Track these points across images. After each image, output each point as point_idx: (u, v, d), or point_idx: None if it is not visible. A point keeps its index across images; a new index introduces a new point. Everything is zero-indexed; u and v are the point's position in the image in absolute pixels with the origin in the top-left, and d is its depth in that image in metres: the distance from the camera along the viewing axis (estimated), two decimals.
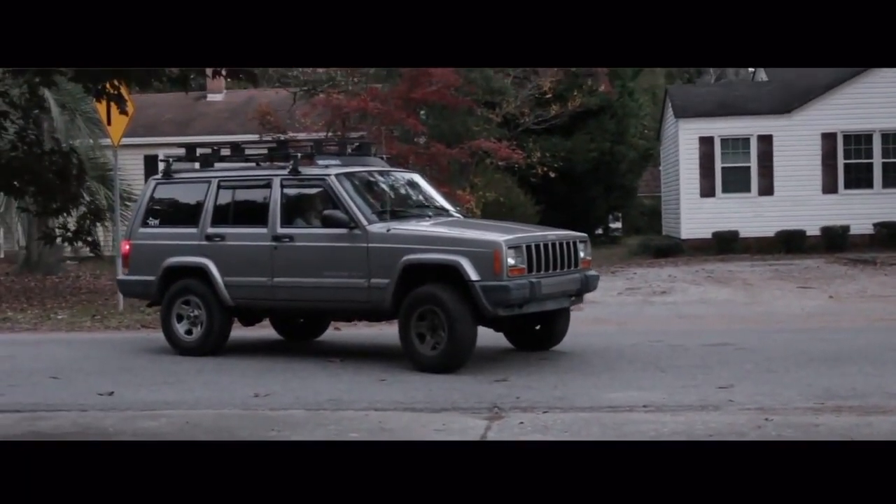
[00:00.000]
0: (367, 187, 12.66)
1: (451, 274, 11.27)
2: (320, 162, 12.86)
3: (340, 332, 14.97)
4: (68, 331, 16.59)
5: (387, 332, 13.82)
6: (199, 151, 13.94)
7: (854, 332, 13.67)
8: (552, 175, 29.59)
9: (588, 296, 12.81)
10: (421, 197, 13.43)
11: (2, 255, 33.10)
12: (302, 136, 24.51)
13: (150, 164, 31.87)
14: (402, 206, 12.84)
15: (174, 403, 10.04)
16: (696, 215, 31.04)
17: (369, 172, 13.07)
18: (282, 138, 19.97)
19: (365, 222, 11.88)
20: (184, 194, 13.59)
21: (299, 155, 12.91)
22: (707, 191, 31.02)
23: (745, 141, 30.81)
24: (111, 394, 10.59)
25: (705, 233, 30.60)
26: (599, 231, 43.37)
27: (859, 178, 30.33)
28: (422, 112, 27.12)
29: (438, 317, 11.25)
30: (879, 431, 8.02)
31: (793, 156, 30.32)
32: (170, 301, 13.14)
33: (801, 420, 8.47)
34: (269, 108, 27.59)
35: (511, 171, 30.19)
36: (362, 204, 12.12)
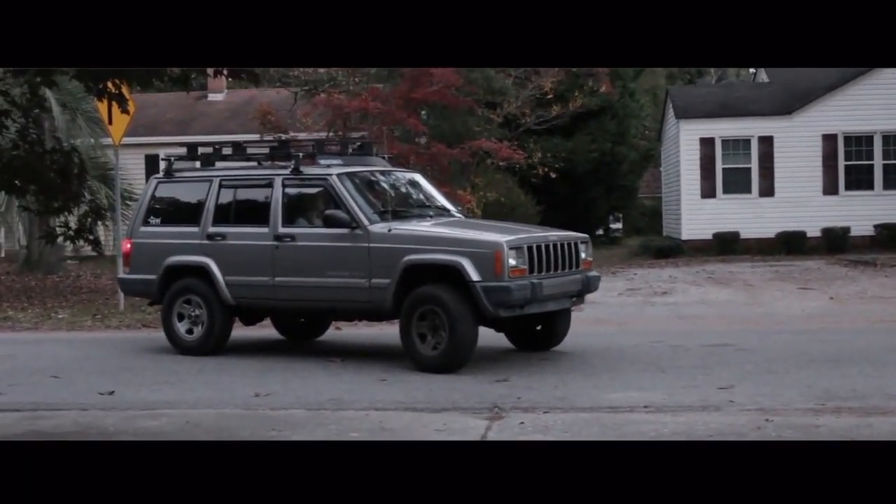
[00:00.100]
0: (368, 187, 12.67)
1: (452, 274, 11.27)
2: (322, 161, 12.87)
3: (341, 331, 14.98)
4: (69, 330, 16.59)
5: (387, 331, 13.82)
6: (200, 150, 13.93)
7: (854, 334, 13.67)
8: (553, 175, 29.59)
9: (589, 296, 12.82)
10: (422, 197, 13.43)
11: (2, 255, 33.11)
12: (303, 135, 24.52)
13: (151, 163, 31.88)
14: (404, 206, 12.84)
15: (175, 403, 10.04)
16: (696, 216, 31.04)
17: (371, 172, 13.08)
18: (283, 138, 20.00)
19: (366, 222, 11.88)
20: (185, 193, 13.59)
21: (301, 154, 12.91)
22: (708, 192, 31.02)
23: (746, 142, 30.81)
24: (112, 393, 10.59)
25: (706, 234, 30.61)
26: (600, 232, 43.36)
27: (860, 179, 30.34)
28: (423, 112, 27.14)
29: (439, 317, 11.26)
30: (880, 432, 8.02)
31: (793, 157, 30.32)
32: (171, 300, 13.14)
33: (801, 421, 8.47)
34: (270, 108, 27.59)
35: (512, 172, 30.19)
36: (364, 204, 12.12)
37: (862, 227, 29.57)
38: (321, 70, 26.68)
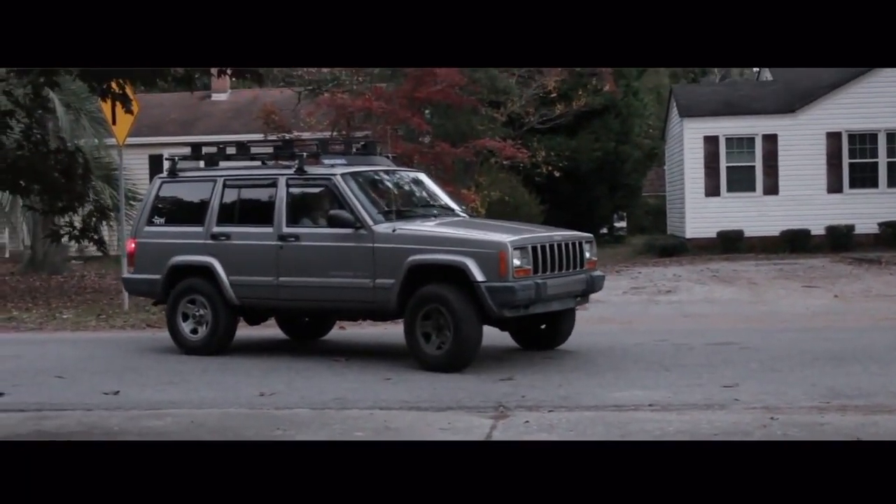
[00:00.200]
0: (372, 187, 12.66)
1: (456, 274, 11.27)
2: (326, 161, 12.86)
3: (345, 331, 14.97)
4: (73, 330, 16.61)
5: (392, 331, 13.82)
6: (204, 150, 13.93)
7: (859, 332, 13.66)
8: (557, 174, 29.60)
9: (593, 295, 12.80)
10: (426, 196, 13.43)
11: (7, 255, 33.13)
12: (307, 135, 24.52)
13: (155, 163, 31.91)
14: (408, 206, 12.84)
15: (179, 403, 10.05)
16: (700, 215, 31.03)
17: (375, 172, 13.08)
18: (287, 137, 20.00)
19: (370, 222, 11.88)
20: (189, 193, 13.60)
21: (305, 154, 12.91)
22: (712, 190, 31.01)
23: (750, 140, 30.79)
24: (116, 393, 10.60)
25: (710, 232, 30.59)
26: (604, 230, 43.32)
27: (864, 177, 30.32)
28: (426, 111, 27.14)
29: (444, 316, 11.26)
30: (885, 430, 8.02)
31: (797, 155, 30.30)
32: (175, 300, 13.14)
33: (806, 419, 8.47)
34: (274, 108, 27.60)
35: (516, 171, 30.18)
36: (368, 204, 12.12)
37: (866, 225, 29.55)
38: (325, 70, 26.69)
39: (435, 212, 12.95)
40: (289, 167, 12.82)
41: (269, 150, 13.82)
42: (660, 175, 47.62)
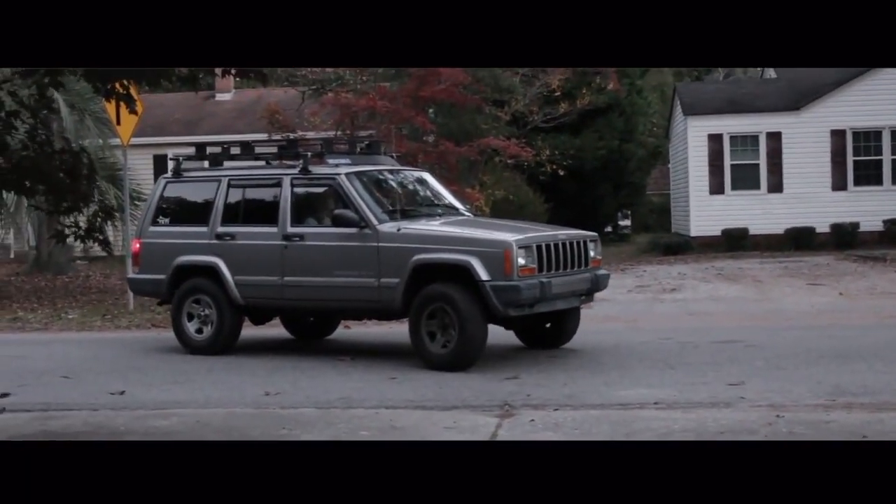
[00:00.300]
0: (376, 186, 12.66)
1: (461, 274, 11.27)
2: (330, 161, 12.87)
3: (350, 330, 14.98)
4: (79, 330, 16.62)
5: (397, 330, 13.83)
6: (208, 150, 13.94)
7: (864, 329, 13.65)
8: (561, 173, 29.61)
9: (598, 293, 12.80)
10: (430, 195, 13.42)
11: (12, 255, 33.17)
12: (311, 135, 24.53)
13: (160, 163, 31.95)
14: (412, 205, 12.84)
15: (185, 402, 10.05)
16: (705, 213, 31.03)
17: (379, 171, 13.08)
18: (291, 137, 19.99)
19: (375, 221, 11.88)
20: (194, 193, 13.61)
21: (309, 154, 12.92)
22: (716, 188, 31.01)
23: (754, 138, 30.79)
24: (122, 393, 10.61)
25: (715, 230, 30.58)
26: (608, 229, 43.36)
27: (869, 174, 30.31)
28: (430, 110, 27.12)
29: (449, 315, 11.25)
30: (891, 428, 8.01)
31: (802, 153, 30.30)
32: (180, 300, 13.15)
33: (812, 417, 8.46)
34: (278, 108, 27.60)
35: (520, 169, 30.20)
36: (372, 203, 12.12)
37: (871, 222, 29.54)
38: (329, 69, 26.69)
39: (439, 211, 12.95)
40: (293, 167, 12.82)
41: (274, 149, 13.83)
42: (664, 173, 47.62)
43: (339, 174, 12.37)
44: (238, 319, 13.13)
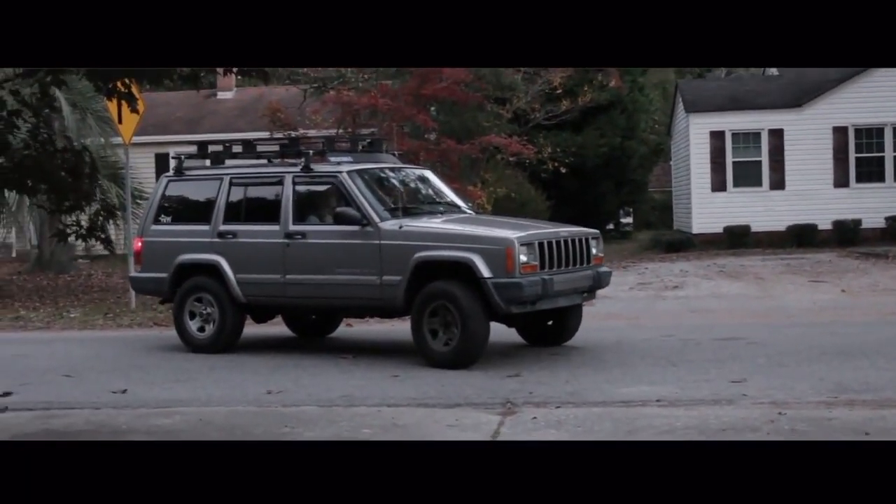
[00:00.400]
0: (378, 184, 12.66)
1: (463, 271, 11.27)
2: (332, 159, 12.87)
3: (352, 328, 14.98)
4: (81, 329, 16.63)
5: (399, 328, 13.82)
6: (210, 149, 13.93)
7: (866, 326, 13.64)
8: (563, 170, 29.62)
9: (600, 291, 12.80)
10: (432, 193, 13.42)
11: (14, 254, 33.19)
12: (313, 133, 24.54)
13: (161, 162, 31.96)
14: (414, 203, 12.83)
15: (187, 401, 10.05)
16: (707, 210, 31.02)
17: (381, 169, 13.07)
18: (293, 135, 20.00)
19: (377, 219, 11.88)
20: (196, 191, 13.60)
21: (311, 152, 12.91)
22: (718, 185, 31.01)
23: (756, 135, 30.78)
24: (124, 392, 10.61)
25: (716, 227, 30.59)
26: (610, 226, 43.37)
27: (871, 171, 30.31)
28: (432, 108, 27.13)
29: (451, 313, 11.25)
30: (893, 425, 7.99)
31: (804, 150, 30.29)
32: (182, 298, 13.15)
33: (814, 414, 8.45)
34: (280, 106, 27.61)
35: (521, 167, 30.21)
36: (374, 201, 12.12)
37: (873, 219, 29.54)
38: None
39: (441, 208, 12.95)
40: (295, 165, 12.82)
41: (276, 148, 13.82)
42: (666, 170, 47.62)
43: (340, 172, 12.37)
44: (240, 318, 13.13)
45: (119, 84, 8.41)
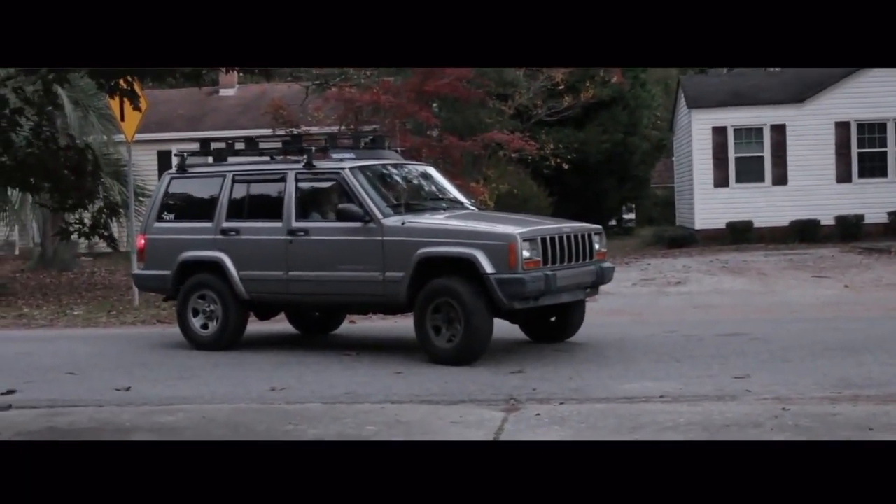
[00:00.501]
0: (381, 180, 12.66)
1: (466, 267, 11.27)
2: (334, 155, 12.86)
3: (356, 325, 14.98)
4: (84, 327, 16.64)
5: (402, 325, 13.83)
6: (212, 146, 13.94)
7: (869, 321, 13.64)
8: (565, 166, 29.59)
9: (603, 287, 12.81)
10: (435, 189, 13.43)
11: (17, 252, 33.19)
12: (315, 129, 24.54)
13: (164, 159, 31.94)
14: (417, 199, 12.84)
15: (190, 398, 10.07)
16: (709, 205, 31.00)
17: (383, 165, 13.07)
18: (295, 132, 20.01)
19: (380, 215, 11.88)
20: (198, 189, 13.60)
21: (313, 149, 12.92)
22: (720, 181, 30.97)
23: (759, 131, 30.75)
24: (128, 389, 10.62)
25: (719, 223, 30.56)
26: (613, 222, 43.34)
27: (873, 166, 30.27)
28: (434, 105, 27.12)
29: (454, 309, 11.25)
30: None
31: (806, 145, 30.25)
32: (185, 295, 13.16)
33: (818, 409, 8.45)
34: (282, 103, 27.60)
35: (524, 163, 30.19)
36: (377, 197, 12.12)
37: (876, 214, 29.50)
38: None
39: (444, 205, 12.95)
40: (297, 162, 12.83)
41: (278, 144, 13.83)
42: (668, 166, 47.59)
43: (343, 168, 12.37)
44: (243, 315, 13.13)
45: (121, 82, 8.40)
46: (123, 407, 9.70)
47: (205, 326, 13.13)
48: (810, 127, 30.20)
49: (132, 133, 18.59)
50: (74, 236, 8.92)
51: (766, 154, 30.68)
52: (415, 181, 13.43)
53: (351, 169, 12.36)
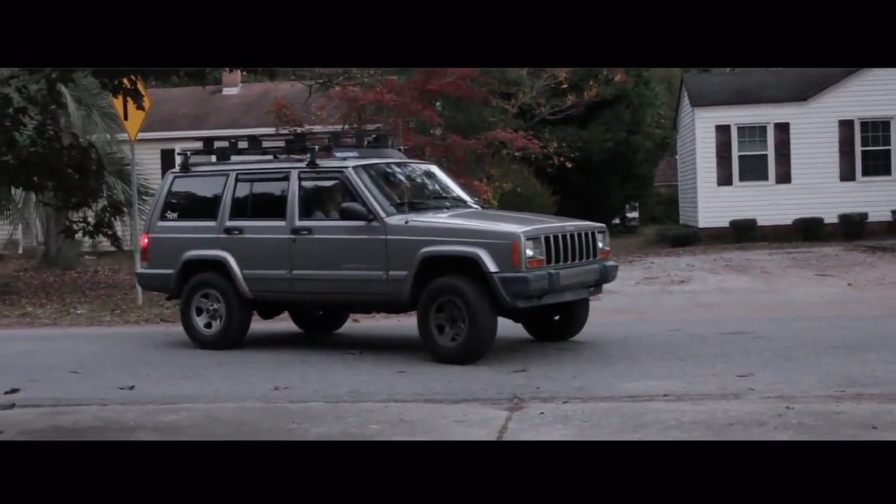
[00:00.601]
0: (384, 179, 12.66)
1: (469, 266, 11.27)
2: (338, 154, 12.86)
3: (359, 324, 14.98)
4: (88, 325, 16.65)
5: (405, 323, 13.83)
6: (216, 145, 13.95)
7: (873, 320, 13.63)
8: (568, 165, 29.58)
9: (606, 286, 12.80)
10: (438, 188, 13.43)
11: (21, 251, 33.21)
12: (318, 128, 24.53)
13: (167, 158, 31.98)
14: (420, 198, 12.83)
15: (194, 397, 10.07)
16: (713, 204, 30.99)
17: (387, 164, 13.07)
18: (299, 131, 20.01)
19: (383, 214, 11.88)
20: (202, 188, 13.61)
21: (317, 147, 12.92)
22: (724, 179, 30.97)
23: (762, 129, 30.74)
24: (132, 388, 10.62)
25: (723, 221, 30.56)
26: (616, 221, 43.32)
27: (877, 164, 30.26)
28: (438, 103, 27.12)
29: (458, 308, 11.25)
30: None
31: (810, 143, 30.24)
32: (189, 294, 13.16)
33: (821, 408, 8.45)
34: (285, 102, 27.59)
35: (527, 162, 30.17)
36: (380, 196, 12.12)
37: (879, 212, 29.50)
38: None
39: (447, 203, 12.95)
40: (301, 161, 12.83)
41: (281, 143, 13.84)
42: (671, 165, 47.57)
43: (346, 167, 12.37)
44: (247, 314, 13.13)
45: (125, 81, 8.41)
46: (127, 406, 9.71)
47: (208, 325, 13.14)
48: (814, 125, 30.19)
49: (135, 132, 18.60)
50: (78, 235, 8.92)
51: (770, 152, 30.67)
52: (418, 180, 13.43)
53: (354, 168, 12.36)
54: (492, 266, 11.08)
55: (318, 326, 14.32)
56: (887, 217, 29.50)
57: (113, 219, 8.82)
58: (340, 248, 12.16)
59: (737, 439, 7.41)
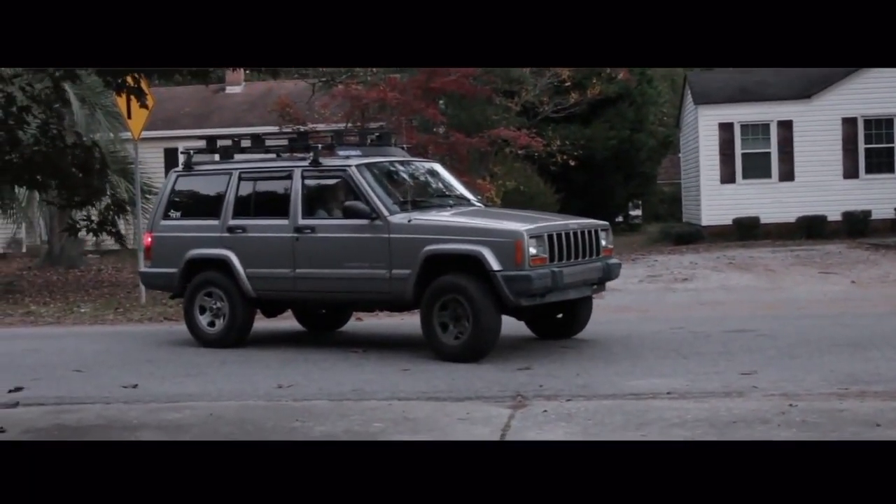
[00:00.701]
0: (387, 177, 12.66)
1: (472, 264, 11.27)
2: (341, 153, 12.87)
3: (362, 322, 14.99)
4: (91, 324, 16.66)
5: (408, 322, 13.84)
6: (219, 143, 13.95)
7: (877, 317, 13.62)
8: (571, 163, 29.57)
9: (609, 283, 12.80)
10: (441, 186, 13.42)
11: (24, 250, 33.24)
12: (321, 127, 24.53)
13: (170, 157, 31.99)
14: (423, 196, 12.83)
15: (198, 395, 10.08)
16: (716, 202, 30.99)
17: (390, 162, 13.07)
18: (302, 129, 20.01)
19: (386, 213, 11.88)
20: (205, 186, 13.61)
21: (320, 146, 12.92)
22: (727, 177, 30.96)
23: (765, 127, 30.73)
24: (135, 386, 10.63)
25: (726, 219, 30.56)
26: (619, 219, 43.33)
27: (880, 162, 30.25)
28: (441, 101, 27.11)
29: (462, 306, 11.25)
30: None
31: (813, 141, 30.23)
32: (192, 293, 13.17)
33: (825, 406, 8.45)
34: (289, 100, 27.60)
35: (530, 160, 30.16)
36: (383, 194, 12.12)
37: (883, 210, 29.50)
38: None
39: (450, 202, 12.95)
40: (304, 159, 12.83)
41: (284, 142, 13.84)
42: (675, 163, 47.56)
43: (349, 166, 12.38)
44: (250, 312, 13.14)
45: (128, 79, 8.42)
46: (131, 404, 9.71)
47: (212, 324, 13.15)
48: (817, 123, 30.18)
49: (139, 130, 18.62)
50: (82, 233, 8.93)
51: (773, 150, 30.66)
52: (421, 178, 13.43)
53: (357, 166, 12.36)
54: (495, 264, 11.09)
55: (322, 325, 14.33)
56: (891, 215, 29.50)
57: (116, 217, 8.82)
58: (344, 247, 12.16)
59: (740, 437, 7.42)
